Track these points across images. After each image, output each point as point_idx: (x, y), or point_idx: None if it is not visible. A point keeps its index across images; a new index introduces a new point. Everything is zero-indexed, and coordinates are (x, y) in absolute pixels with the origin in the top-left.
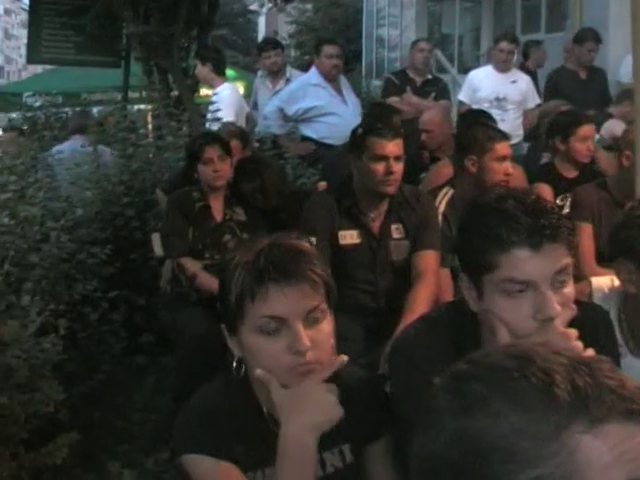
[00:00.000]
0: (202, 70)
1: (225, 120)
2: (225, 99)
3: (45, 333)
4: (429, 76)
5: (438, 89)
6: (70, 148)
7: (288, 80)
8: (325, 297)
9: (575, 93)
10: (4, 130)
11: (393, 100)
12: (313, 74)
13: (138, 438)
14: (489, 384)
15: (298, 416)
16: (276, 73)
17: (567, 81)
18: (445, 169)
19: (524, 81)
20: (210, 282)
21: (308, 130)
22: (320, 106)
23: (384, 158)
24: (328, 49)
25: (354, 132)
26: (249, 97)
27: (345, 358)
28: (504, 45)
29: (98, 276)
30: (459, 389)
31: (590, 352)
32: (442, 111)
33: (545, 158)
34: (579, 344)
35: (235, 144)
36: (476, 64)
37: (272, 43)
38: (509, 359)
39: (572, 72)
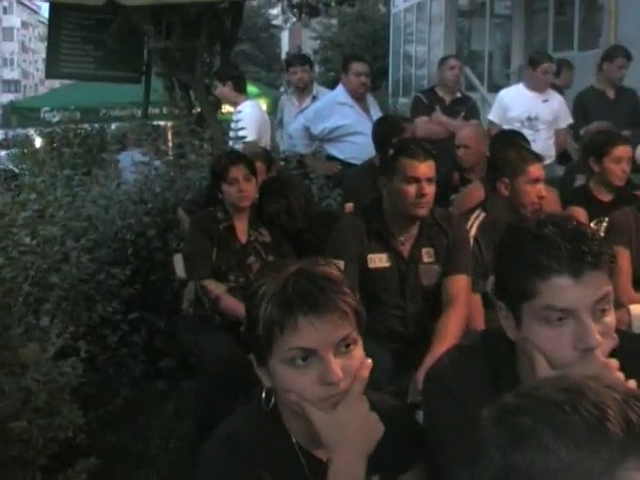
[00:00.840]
0: (223, 90)
1: (248, 139)
2: (247, 117)
3: (64, 356)
4: (458, 94)
5: (467, 108)
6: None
7: (315, 97)
8: (355, 325)
9: (602, 114)
10: None
11: (422, 120)
12: (340, 92)
13: (158, 464)
14: (539, 418)
15: (346, 444)
16: (302, 90)
17: (594, 101)
18: (476, 191)
19: (556, 100)
20: (234, 305)
21: (334, 150)
22: (347, 125)
23: (416, 180)
24: (356, 66)
25: (385, 153)
26: (272, 114)
27: (370, 362)
28: (547, 66)
29: (118, 297)
30: (507, 422)
31: (632, 384)
32: (478, 129)
33: (580, 180)
34: (621, 375)
35: (259, 166)
36: (506, 82)
37: (300, 58)
38: (559, 392)
39: (600, 92)
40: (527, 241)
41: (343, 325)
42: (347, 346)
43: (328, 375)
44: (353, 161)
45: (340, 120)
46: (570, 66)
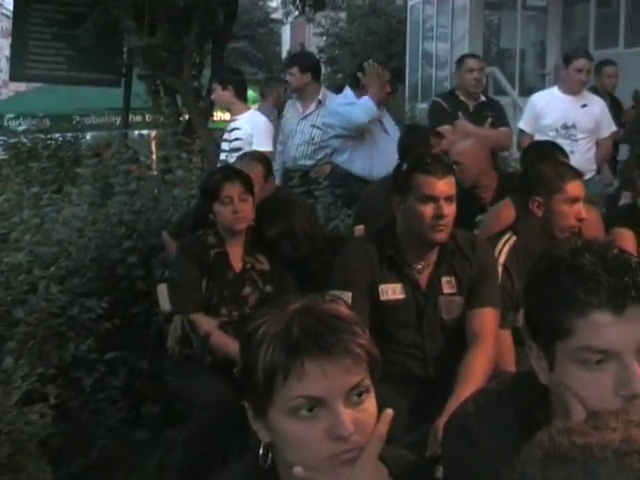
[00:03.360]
0: (223, 95)
1: (264, 149)
2: (260, 126)
3: (31, 402)
4: (483, 98)
5: (494, 113)
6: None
7: (320, 103)
8: (368, 370)
9: None
10: None
11: (445, 129)
12: (347, 95)
13: None
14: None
15: None
16: (301, 95)
17: None
18: (506, 211)
19: (597, 105)
20: (227, 343)
21: (349, 164)
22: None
23: (433, 199)
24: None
25: (398, 168)
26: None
27: (391, 412)
28: (582, 63)
29: (93, 334)
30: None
31: None
32: (477, 142)
33: (625, 198)
34: None
35: (258, 169)
36: (541, 85)
37: (288, 60)
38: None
39: None
40: (561, 272)
41: (356, 370)
42: (359, 395)
43: (338, 428)
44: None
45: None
46: (613, 66)
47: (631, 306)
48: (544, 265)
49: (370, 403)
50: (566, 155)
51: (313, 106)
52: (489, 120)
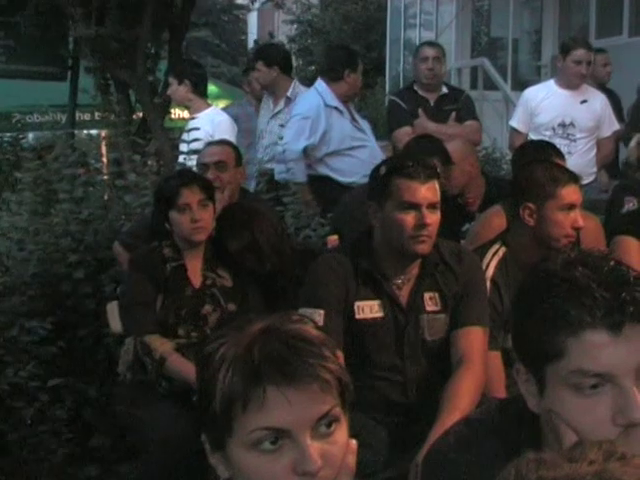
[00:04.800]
0: (179, 91)
1: None
2: (221, 126)
3: None
4: (444, 90)
5: (459, 105)
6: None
7: (289, 99)
8: (339, 398)
9: None
10: None
11: (403, 132)
12: (325, 93)
13: None
14: None
15: None
16: (273, 90)
17: None
18: (497, 219)
19: (598, 101)
20: (185, 368)
21: (329, 170)
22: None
23: (415, 206)
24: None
25: (375, 172)
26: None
27: (354, 444)
28: (581, 53)
29: (35, 359)
30: None
31: None
32: (464, 143)
33: (629, 204)
34: None
35: (230, 152)
36: (536, 78)
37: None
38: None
39: None
40: (551, 287)
41: (324, 398)
42: (328, 425)
43: (304, 463)
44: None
45: (339, 131)
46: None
47: (629, 324)
48: (533, 279)
49: (340, 434)
50: (562, 156)
51: (282, 103)
52: (453, 114)
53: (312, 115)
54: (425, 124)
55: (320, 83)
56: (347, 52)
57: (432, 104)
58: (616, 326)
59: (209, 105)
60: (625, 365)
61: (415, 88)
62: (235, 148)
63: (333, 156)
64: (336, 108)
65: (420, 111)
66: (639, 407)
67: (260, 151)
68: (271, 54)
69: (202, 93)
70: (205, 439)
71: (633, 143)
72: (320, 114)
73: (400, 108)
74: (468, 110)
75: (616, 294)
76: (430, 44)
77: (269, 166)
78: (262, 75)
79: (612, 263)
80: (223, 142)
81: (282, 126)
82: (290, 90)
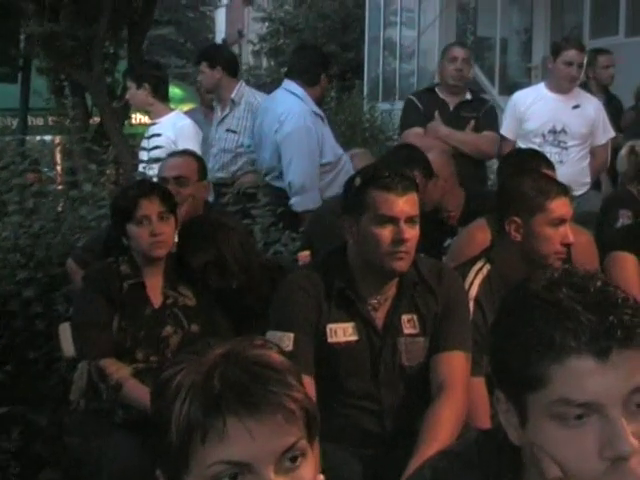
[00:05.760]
0: (138, 95)
1: None
2: (184, 131)
3: None
4: (468, 96)
5: (480, 115)
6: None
7: (233, 103)
8: (305, 430)
9: None
10: None
11: (412, 133)
12: (306, 98)
13: None
14: None
15: None
16: (219, 94)
17: None
18: (481, 234)
19: (592, 105)
20: (143, 395)
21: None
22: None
23: (392, 220)
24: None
25: (349, 183)
26: None
27: (322, 478)
28: (572, 54)
29: None
30: None
31: None
32: (440, 155)
33: (623, 218)
34: None
35: (192, 165)
36: (526, 81)
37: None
38: None
39: None
40: (533, 309)
41: (289, 430)
42: (293, 460)
43: None
44: None
45: (328, 140)
46: (609, 55)
47: (617, 350)
48: (513, 300)
49: (307, 470)
50: (552, 166)
51: (227, 109)
52: (472, 123)
53: (309, 125)
54: (438, 128)
55: (296, 87)
56: (321, 53)
57: (451, 109)
58: (603, 352)
59: (171, 110)
60: (613, 394)
61: (436, 90)
62: (199, 159)
63: (328, 171)
64: (318, 115)
65: (436, 114)
66: (628, 439)
67: (211, 160)
68: (214, 55)
69: (163, 97)
70: (160, 474)
71: (623, 152)
72: (312, 123)
73: (416, 108)
74: (488, 120)
75: (603, 317)
76: (460, 44)
77: (220, 175)
78: (206, 77)
79: (599, 283)
80: (185, 153)
81: (229, 131)
82: (234, 92)
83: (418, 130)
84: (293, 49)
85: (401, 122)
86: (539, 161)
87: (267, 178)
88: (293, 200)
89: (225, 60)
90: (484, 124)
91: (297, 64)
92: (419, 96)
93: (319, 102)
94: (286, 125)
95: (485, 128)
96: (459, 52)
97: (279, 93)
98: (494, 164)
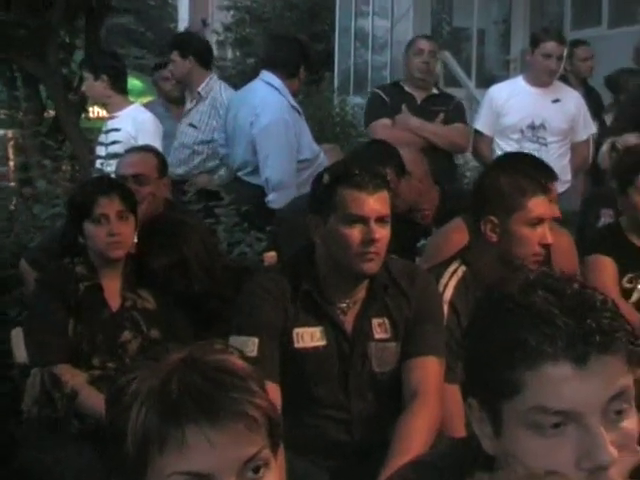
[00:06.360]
0: (95, 86)
1: None
2: (145, 125)
3: None
4: (434, 90)
5: (450, 108)
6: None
7: (200, 96)
8: (268, 439)
9: None
10: None
11: (381, 124)
12: (285, 91)
13: None
14: None
15: None
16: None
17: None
18: (457, 234)
19: (572, 100)
20: (99, 403)
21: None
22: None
23: (362, 220)
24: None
25: (317, 181)
26: None
27: None
28: (551, 46)
29: None
30: None
31: None
32: (413, 151)
33: (605, 217)
34: None
35: (151, 162)
36: (504, 74)
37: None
38: None
39: None
40: (508, 313)
41: (252, 439)
42: (256, 470)
43: None
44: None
45: (306, 135)
46: (586, 47)
47: (595, 356)
48: (487, 303)
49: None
50: (541, 166)
51: (190, 102)
52: (441, 116)
53: (287, 118)
54: (408, 119)
55: (274, 79)
56: (300, 44)
57: (419, 102)
58: (580, 358)
59: (130, 102)
60: (591, 402)
61: (402, 84)
62: (159, 155)
63: (305, 168)
64: (295, 109)
65: (403, 106)
66: (607, 449)
67: (170, 154)
68: (187, 43)
69: (122, 89)
70: None
71: (605, 148)
72: (290, 116)
73: (382, 101)
74: (458, 113)
75: (580, 321)
76: (426, 37)
77: (179, 171)
78: (177, 66)
79: (576, 286)
80: (144, 149)
81: (191, 126)
82: (202, 85)
83: (386, 121)
84: (269, 38)
85: (366, 116)
86: (525, 160)
87: (240, 174)
88: (270, 197)
89: (198, 50)
90: (453, 117)
91: (275, 55)
92: (385, 89)
93: (294, 96)
94: (263, 117)
95: (455, 121)
96: (425, 45)
97: (256, 84)
98: (470, 161)
